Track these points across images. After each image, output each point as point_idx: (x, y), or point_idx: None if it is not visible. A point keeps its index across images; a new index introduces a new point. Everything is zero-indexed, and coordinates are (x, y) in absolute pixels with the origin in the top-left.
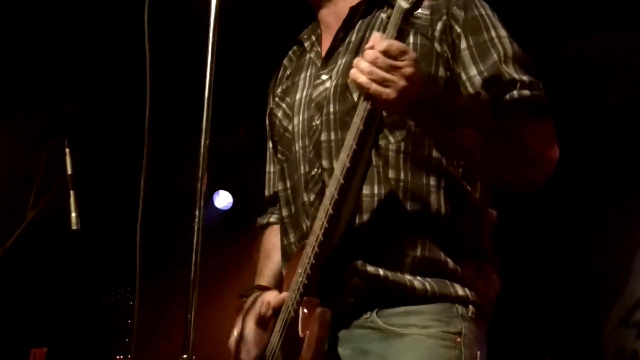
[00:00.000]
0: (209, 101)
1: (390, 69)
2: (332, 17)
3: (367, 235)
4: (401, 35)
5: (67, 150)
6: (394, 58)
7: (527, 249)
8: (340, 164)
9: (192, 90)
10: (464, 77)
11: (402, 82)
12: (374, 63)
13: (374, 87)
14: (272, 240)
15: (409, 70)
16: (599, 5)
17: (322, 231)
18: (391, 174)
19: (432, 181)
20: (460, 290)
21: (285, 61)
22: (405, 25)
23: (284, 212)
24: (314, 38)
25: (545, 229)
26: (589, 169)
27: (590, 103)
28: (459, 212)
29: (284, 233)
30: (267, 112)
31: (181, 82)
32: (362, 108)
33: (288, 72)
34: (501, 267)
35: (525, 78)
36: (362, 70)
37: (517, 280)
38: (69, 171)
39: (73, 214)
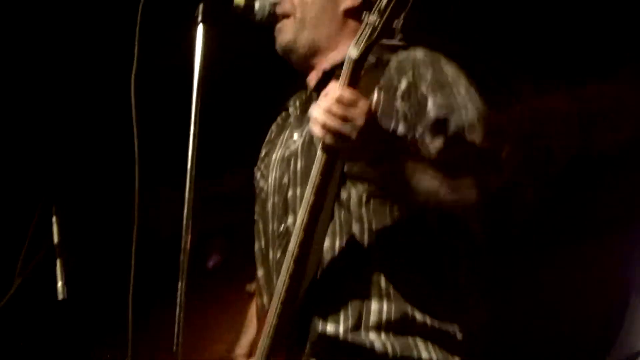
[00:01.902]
0: (191, 178)
1: (343, 118)
2: (314, 80)
3: (330, 290)
4: (353, 84)
5: (54, 218)
6: (346, 107)
7: (510, 291)
8: (299, 219)
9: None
10: (427, 139)
11: (354, 134)
12: (327, 111)
13: (328, 138)
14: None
15: (360, 121)
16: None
17: (285, 288)
18: (355, 224)
19: (399, 228)
20: (424, 353)
21: (273, 126)
22: (357, 75)
23: (259, 272)
24: (297, 102)
25: (530, 270)
26: (586, 210)
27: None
28: (429, 257)
29: (259, 294)
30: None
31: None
32: (318, 160)
33: (272, 135)
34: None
35: (482, 136)
36: (315, 120)
37: (500, 327)
38: (56, 240)
39: (59, 283)
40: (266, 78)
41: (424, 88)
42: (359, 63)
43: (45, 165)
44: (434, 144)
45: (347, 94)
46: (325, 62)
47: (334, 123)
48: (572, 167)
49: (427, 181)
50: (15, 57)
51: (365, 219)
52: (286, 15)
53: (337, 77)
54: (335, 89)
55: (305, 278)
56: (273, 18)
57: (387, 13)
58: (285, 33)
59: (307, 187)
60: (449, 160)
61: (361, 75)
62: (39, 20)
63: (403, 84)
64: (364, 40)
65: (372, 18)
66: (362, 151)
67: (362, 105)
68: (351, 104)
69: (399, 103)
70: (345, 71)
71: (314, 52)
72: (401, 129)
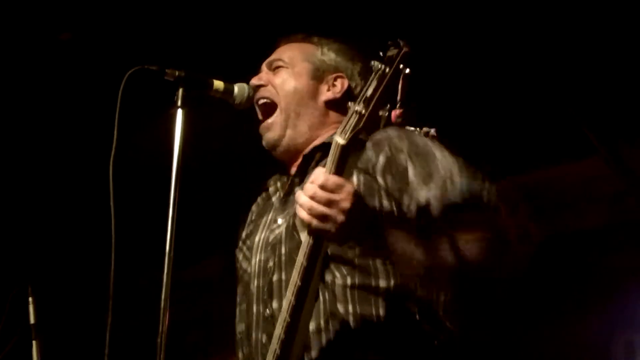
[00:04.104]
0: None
1: (328, 203)
2: (295, 165)
3: None
4: (340, 171)
5: (30, 299)
6: (331, 192)
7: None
8: (286, 302)
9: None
10: (416, 201)
11: (340, 217)
12: (312, 197)
13: (315, 222)
14: None
15: (346, 204)
16: (558, 136)
17: None
18: (340, 307)
19: (382, 312)
20: None
21: (253, 207)
22: (344, 161)
23: (240, 354)
24: (279, 184)
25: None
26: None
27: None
28: (413, 342)
29: None
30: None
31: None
32: (305, 244)
33: (254, 217)
34: None
35: (475, 185)
36: (302, 205)
37: None
38: (32, 320)
39: None
40: (243, 164)
41: (402, 158)
42: (346, 150)
43: (21, 246)
44: (424, 200)
45: (333, 179)
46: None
47: (319, 207)
48: (553, 246)
49: (417, 252)
50: None
51: (349, 301)
52: (269, 103)
53: (316, 160)
54: (320, 176)
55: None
56: (253, 102)
57: (373, 101)
58: (273, 131)
59: (294, 271)
60: (439, 225)
61: (348, 159)
62: (18, 103)
63: (381, 160)
64: (351, 128)
65: (358, 107)
66: (350, 233)
67: (348, 188)
68: (336, 189)
69: (380, 179)
70: (332, 158)
71: (298, 143)
72: (386, 203)
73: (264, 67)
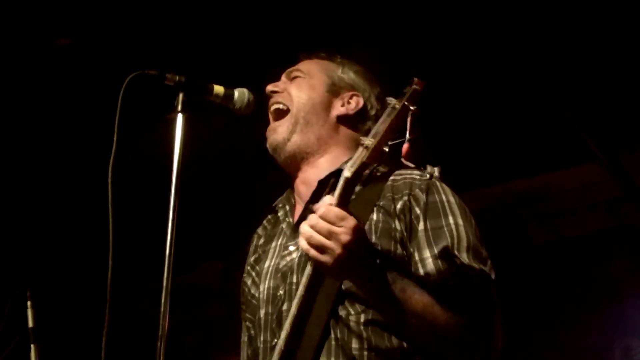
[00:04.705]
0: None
1: (328, 234)
2: (303, 186)
3: None
4: (343, 203)
5: (29, 302)
6: (332, 223)
7: None
8: (284, 332)
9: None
10: (417, 257)
11: (338, 250)
12: (313, 227)
13: (312, 252)
14: None
15: (345, 237)
16: (557, 142)
17: None
18: (354, 343)
19: (396, 345)
20: None
21: (259, 230)
22: (348, 194)
23: None
24: (287, 208)
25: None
26: (562, 289)
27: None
28: None
29: None
30: (242, 280)
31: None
32: (306, 274)
33: (262, 241)
34: None
35: (475, 266)
36: (302, 234)
37: None
38: (31, 324)
39: None
40: (242, 169)
41: (417, 211)
42: (351, 182)
43: (20, 250)
44: (425, 263)
45: (334, 210)
46: (316, 170)
47: (318, 238)
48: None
49: (418, 307)
50: None
51: (364, 338)
52: (282, 108)
53: (330, 186)
54: (323, 206)
55: None
56: (253, 107)
57: (380, 136)
58: (279, 133)
59: (293, 301)
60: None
61: (354, 192)
62: (19, 107)
63: (399, 204)
64: (358, 161)
65: (368, 141)
66: (348, 269)
67: (350, 222)
68: (337, 221)
69: (396, 222)
70: (338, 189)
71: (303, 153)
72: (399, 248)
73: (282, 76)
